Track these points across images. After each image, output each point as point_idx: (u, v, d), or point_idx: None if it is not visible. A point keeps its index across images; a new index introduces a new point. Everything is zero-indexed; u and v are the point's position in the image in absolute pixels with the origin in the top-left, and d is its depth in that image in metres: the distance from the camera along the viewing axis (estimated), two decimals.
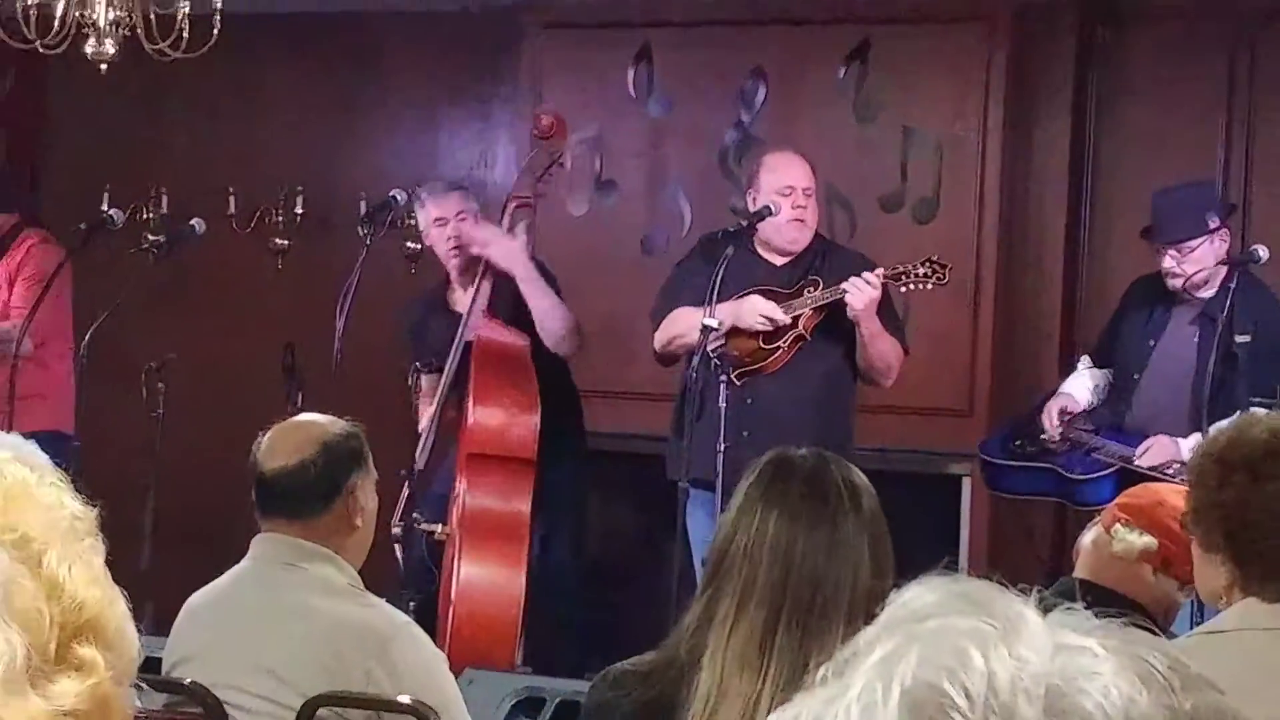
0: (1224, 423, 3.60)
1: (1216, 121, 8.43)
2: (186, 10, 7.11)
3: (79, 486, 1.90)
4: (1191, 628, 3.99)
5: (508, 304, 7.51)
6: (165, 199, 9.34)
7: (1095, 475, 7.15)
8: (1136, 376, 7.21)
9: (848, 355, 7.13)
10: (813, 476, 3.30)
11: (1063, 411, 7.30)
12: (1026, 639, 0.88)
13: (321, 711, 4.20)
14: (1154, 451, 6.95)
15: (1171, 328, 7.16)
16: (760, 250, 7.23)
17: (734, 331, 7.03)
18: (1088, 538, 4.35)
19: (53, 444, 7.07)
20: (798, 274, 7.19)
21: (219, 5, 7.16)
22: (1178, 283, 7.07)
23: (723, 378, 6.90)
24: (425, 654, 4.35)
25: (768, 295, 7.12)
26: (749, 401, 6.99)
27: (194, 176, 9.45)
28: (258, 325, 9.30)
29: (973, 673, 0.86)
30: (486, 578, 7.20)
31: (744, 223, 7.22)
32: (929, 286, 7.16)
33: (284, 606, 4.33)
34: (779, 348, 7.10)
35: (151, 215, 9.24)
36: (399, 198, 8.03)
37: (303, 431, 4.44)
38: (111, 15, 7.15)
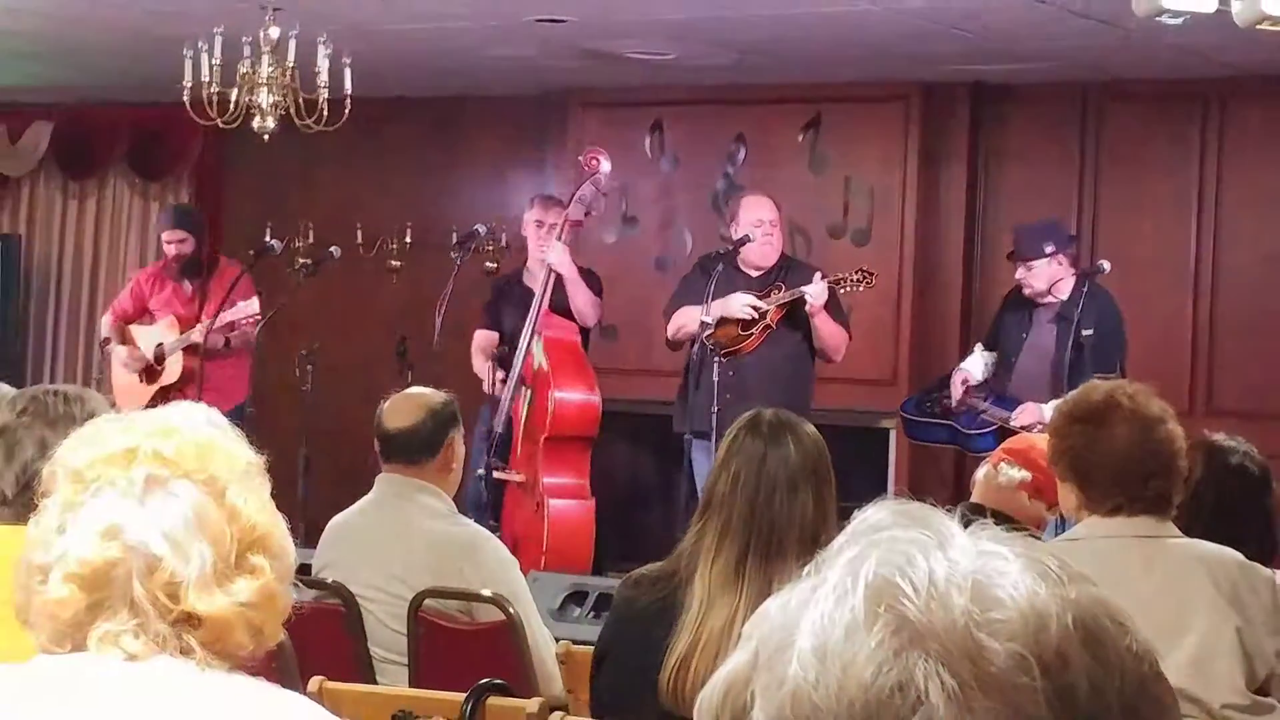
0: (1073, 392, 3.57)
1: (1072, 174, 8.44)
2: (326, 96, 7.14)
3: (252, 440, 1.89)
4: (1056, 537, 3.97)
5: (560, 296, 7.49)
6: (311, 232, 9.33)
7: (984, 430, 7.16)
8: (1013, 359, 7.20)
9: (805, 340, 7.11)
10: (775, 429, 3.27)
11: (963, 382, 7.31)
12: (956, 546, 0.88)
13: (427, 602, 4.21)
14: (1025, 414, 6.94)
15: (1036, 324, 7.14)
16: (741, 266, 7.21)
17: (723, 321, 7.01)
18: (980, 473, 4.35)
19: (234, 410, 7.08)
20: (768, 282, 7.18)
21: (349, 91, 7.17)
22: (1029, 291, 7.10)
23: (715, 358, 6.90)
24: (503, 558, 4.33)
25: None
26: (732, 374, 6.97)
27: (332, 216, 9.44)
28: (378, 323, 9.30)
29: (917, 570, 0.86)
30: (573, 513, 7.27)
31: (730, 247, 7.21)
32: (862, 289, 7.15)
33: (400, 526, 4.32)
34: (753, 334, 7.08)
35: (301, 244, 9.22)
36: (480, 230, 8.06)
37: (414, 400, 4.42)
38: (271, 99, 7.19)
